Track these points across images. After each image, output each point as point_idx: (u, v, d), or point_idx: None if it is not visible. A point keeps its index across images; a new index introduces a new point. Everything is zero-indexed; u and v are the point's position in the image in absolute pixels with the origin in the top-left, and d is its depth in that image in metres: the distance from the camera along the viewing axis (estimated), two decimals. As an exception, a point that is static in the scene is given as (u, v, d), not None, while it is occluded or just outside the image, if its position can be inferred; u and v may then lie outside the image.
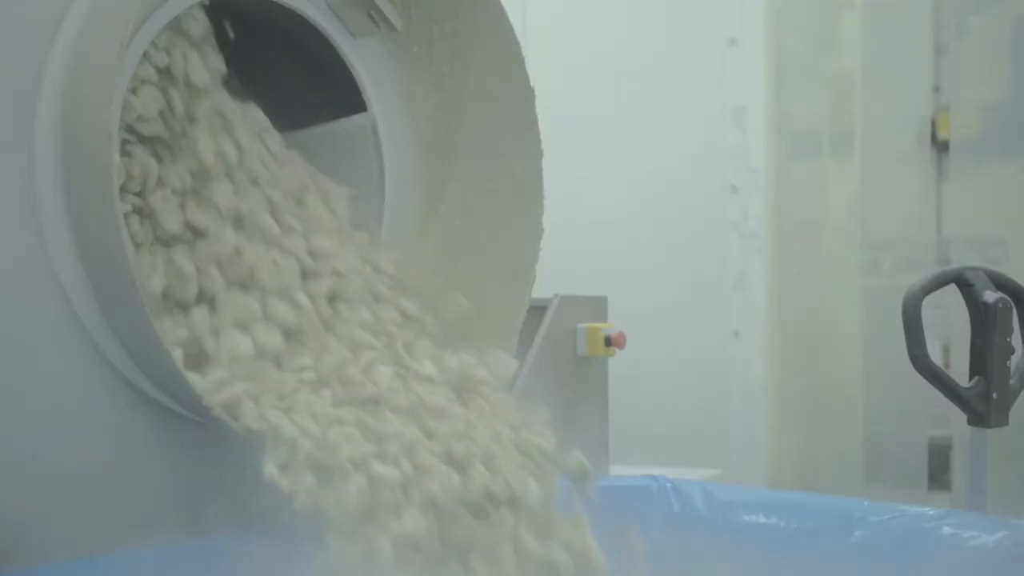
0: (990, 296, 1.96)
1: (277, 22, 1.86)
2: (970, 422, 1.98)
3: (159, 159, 1.65)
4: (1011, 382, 1.97)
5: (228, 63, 1.77)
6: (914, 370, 1.95)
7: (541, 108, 1.89)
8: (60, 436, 1.52)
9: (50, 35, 1.51)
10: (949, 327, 3.54)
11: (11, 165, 1.48)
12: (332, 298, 1.75)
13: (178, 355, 1.55)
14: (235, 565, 1.51)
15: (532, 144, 1.89)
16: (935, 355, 1.97)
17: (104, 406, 1.54)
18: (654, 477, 1.92)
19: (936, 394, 2.00)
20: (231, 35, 1.80)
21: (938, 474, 3.80)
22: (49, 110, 1.49)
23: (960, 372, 2.17)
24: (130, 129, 1.63)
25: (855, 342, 3.86)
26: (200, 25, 1.72)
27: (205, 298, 1.63)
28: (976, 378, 1.97)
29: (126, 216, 1.59)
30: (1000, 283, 1.99)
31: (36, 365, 1.49)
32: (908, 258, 3.86)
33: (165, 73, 1.68)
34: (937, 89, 3.90)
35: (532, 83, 1.88)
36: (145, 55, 1.63)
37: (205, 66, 1.72)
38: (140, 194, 1.63)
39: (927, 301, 1.96)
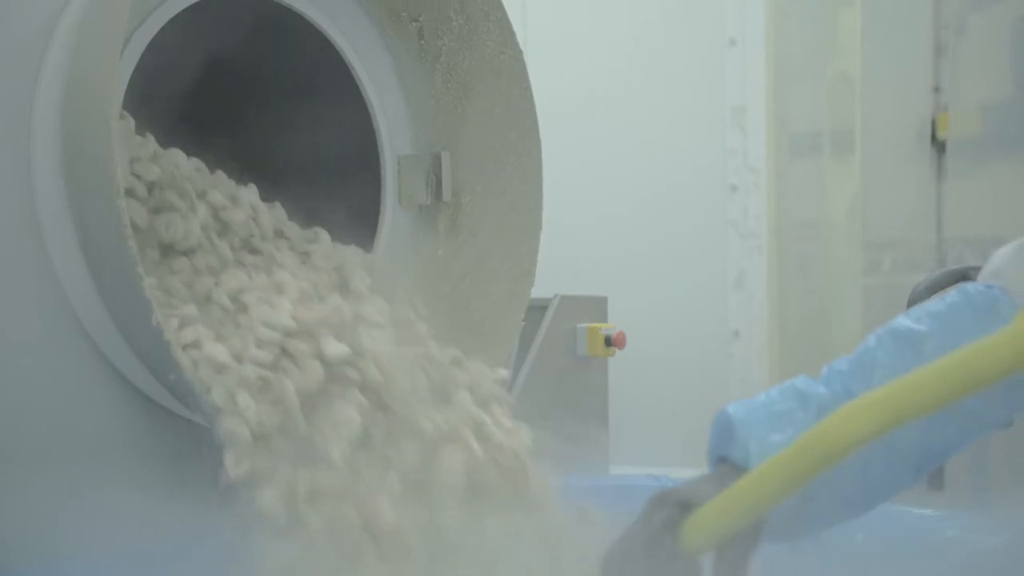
0: (993, 296, 1.95)
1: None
2: (972, 423, 1.97)
3: None
4: (1013, 382, 1.96)
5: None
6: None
7: (541, 107, 1.88)
8: (60, 436, 1.51)
9: (49, 33, 1.51)
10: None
11: (11, 164, 1.48)
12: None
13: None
14: (235, 565, 1.51)
15: (532, 143, 1.89)
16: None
17: (104, 406, 1.54)
18: (655, 477, 1.91)
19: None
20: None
21: (937, 473, 3.79)
22: (48, 108, 1.49)
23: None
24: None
25: (855, 342, 3.83)
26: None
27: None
28: (978, 378, 1.96)
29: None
30: (1003, 283, 1.98)
31: (35, 364, 1.49)
32: (908, 258, 3.85)
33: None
34: (937, 89, 3.89)
35: (532, 83, 1.88)
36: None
37: None
38: None
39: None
